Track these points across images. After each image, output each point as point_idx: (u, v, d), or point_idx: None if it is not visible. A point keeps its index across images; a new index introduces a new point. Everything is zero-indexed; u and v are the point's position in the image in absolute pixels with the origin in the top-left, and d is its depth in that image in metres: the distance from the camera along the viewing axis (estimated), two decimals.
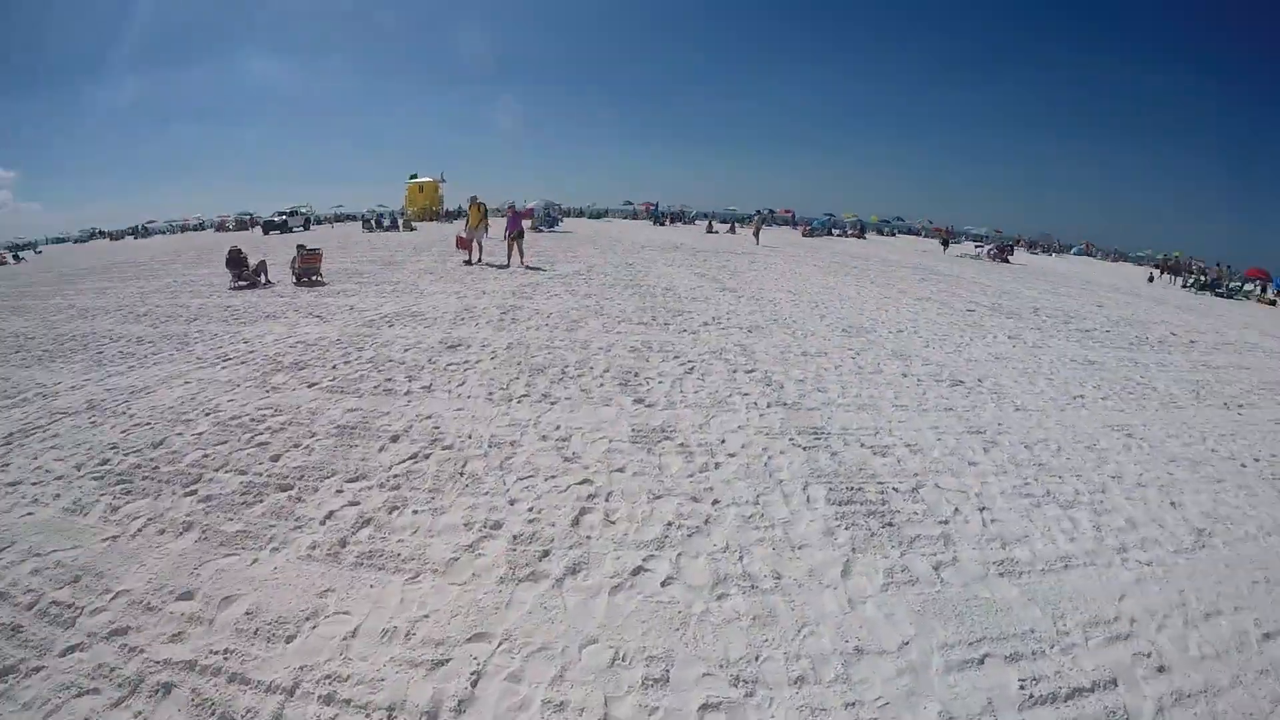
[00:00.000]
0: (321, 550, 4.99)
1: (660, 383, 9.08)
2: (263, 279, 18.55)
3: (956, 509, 5.98)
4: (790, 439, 7.33)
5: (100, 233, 67.36)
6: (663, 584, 4.66)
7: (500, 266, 21.12)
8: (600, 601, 4.46)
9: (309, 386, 8.77)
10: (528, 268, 21.02)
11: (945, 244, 46.21)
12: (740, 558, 5.01)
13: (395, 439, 7.02)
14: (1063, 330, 15.56)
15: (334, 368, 9.63)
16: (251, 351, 10.64)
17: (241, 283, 18.12)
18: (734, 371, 9.77)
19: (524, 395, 8.45)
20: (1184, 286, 34.98)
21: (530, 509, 5.61)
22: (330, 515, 5.48)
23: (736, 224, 54.01)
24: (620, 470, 6.38)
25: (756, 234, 41.24)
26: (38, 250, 55.19)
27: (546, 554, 4.97)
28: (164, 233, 65.81)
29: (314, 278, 18.59)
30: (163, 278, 21.23)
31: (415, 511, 5.54)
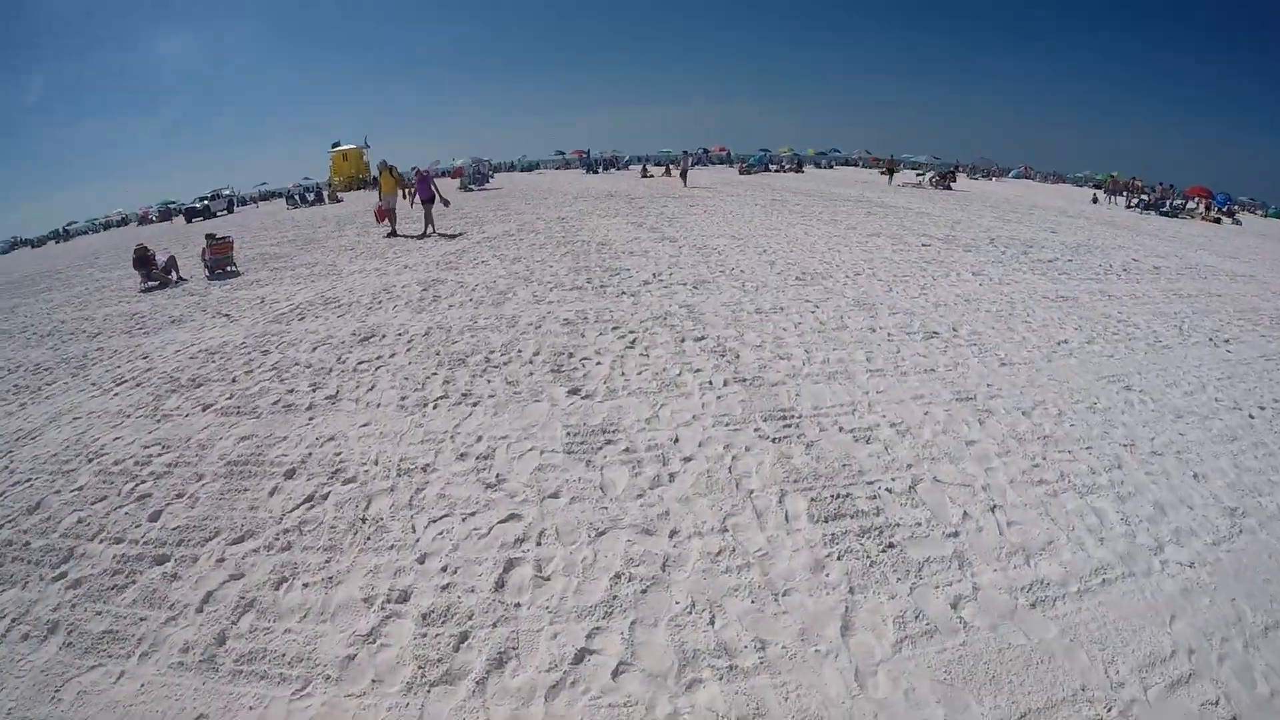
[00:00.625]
0: (195, 653, 3.98)
1: (598, 363, 7.98)
2: (174, 276, 17.25)
3: (965, 512, 5.03)
4: (755, 428, 6.25)
5: (21, 241, 65.05)
6: (614, 674, 3.62)
7: (421, 236, 19.62)
8: (535, 713, 3.42)
9: (204, 409, 7.68)
10: (439, 235, 19.50)
11: (890, 174, 44.88)
12: (711, 619, 3.98)
13: (290, 474, 5.92)
14: (1024, 261, 14.84)
15: (233, 380, 8.52)
16: (149, 369, 9.51)
17: (151, 283, 16.82)
18: (682, 341, 8.67)
19: (441, 397, 7.29)
20: (1128, 206, 34.65)
21: (444, 567, 4.51)
22: (209, 597, 4.45)
23: (671, 165, 52.19)
24: (554, 495, 5.27)
25: (683, 175, 39.08)
26: None
27: (464, 639, 3.91)
28: (86, 233, 63.89)
29: (227, 268, 17.32)
30: (75, 286, 19.85)
31: (305, 585, 4.47)
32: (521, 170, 70.09)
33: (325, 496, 5.47)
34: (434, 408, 7.02)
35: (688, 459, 5.73)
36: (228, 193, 54.75)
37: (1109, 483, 5.53)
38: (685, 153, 48.88)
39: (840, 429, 6.23)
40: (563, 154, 76.30)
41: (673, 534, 4.73)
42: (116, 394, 8.61)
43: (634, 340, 8.75)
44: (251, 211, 49.34)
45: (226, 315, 12.20)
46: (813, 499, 5.12)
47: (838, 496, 5.15)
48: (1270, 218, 39.13)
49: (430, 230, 19.97)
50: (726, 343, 8.54)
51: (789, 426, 6.28)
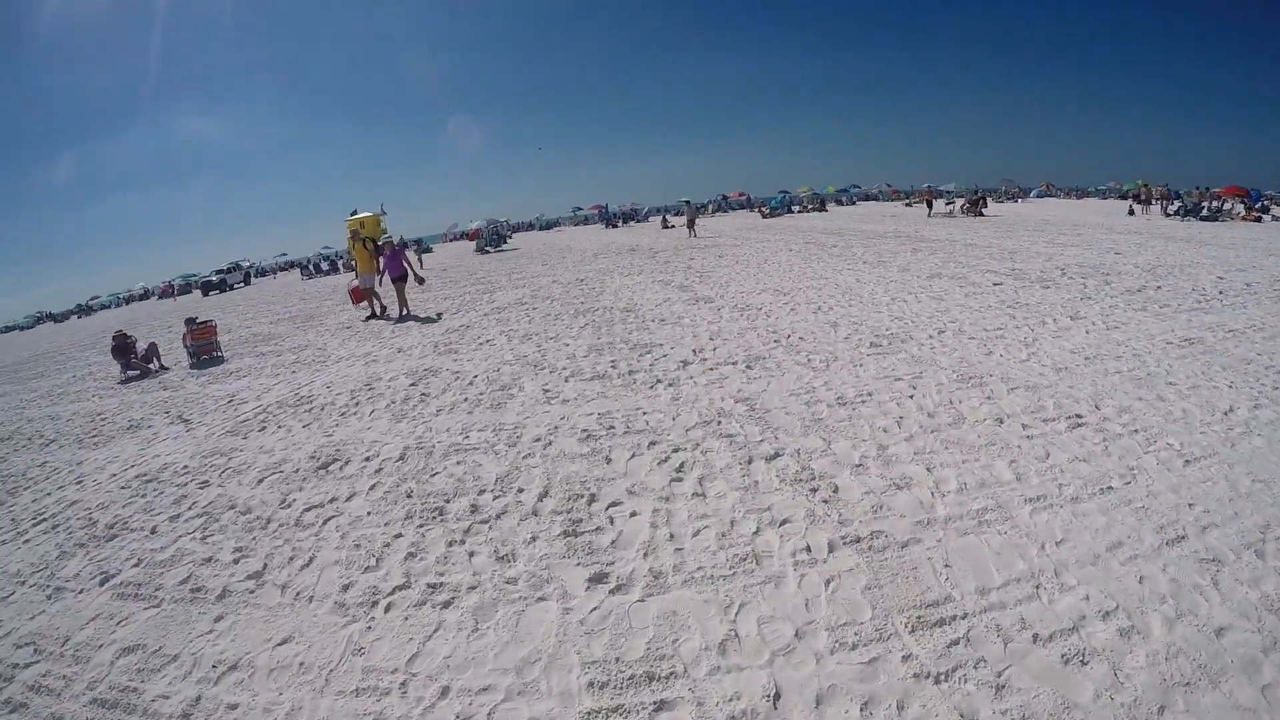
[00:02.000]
0: None
1: (633, 514, 5.43)
2: (154, 365, 15.94)
3: None
4: (904, 654, 3.60)
5: (47, 316, 65.79)
6: None
7: (399, 320, 17.44)
8: None
9: (102, 582, 5.64)
10: (414, 319, 17.18)
11: (930, 205, 43.58)
12: None
13: None
14: (1114, 295, 12.73)
15: (152, 531, 6.48)
16: (75, 503, 7.59)
17: (131, 372, 15.47)
18: (749, 462, 6.14)
19: (400, 587, 4.80)
20: (1166, 215, 34.42)
21: None
22: None
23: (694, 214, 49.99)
24: None
25: (690, 225, 36.85)
26: None
27: None
28: (108, 307, 64.70)
29: (213, 353, 16.03)
30: (65, 372, 18.69)
31: None
32: (540, 229, 71.76)
33: None
34: (385, 610, 4.56)
35: None
36: (246, 264, 55.72)
37: None
38: (688, 202, 47.45)
39: (1035, 638, 3.65)
40: (580, 210, 78.80)
41: None
42: (27, 540, 6.82)
43: (680, 465, 6.22)
44: (268, 283, 49.61)
45: (185, 420, 10.43)
46: None
47: None
48: None
49: (405, 311, 17.87)
50: (811, 460, 6.06)
51: (955, 644, 3.63)
